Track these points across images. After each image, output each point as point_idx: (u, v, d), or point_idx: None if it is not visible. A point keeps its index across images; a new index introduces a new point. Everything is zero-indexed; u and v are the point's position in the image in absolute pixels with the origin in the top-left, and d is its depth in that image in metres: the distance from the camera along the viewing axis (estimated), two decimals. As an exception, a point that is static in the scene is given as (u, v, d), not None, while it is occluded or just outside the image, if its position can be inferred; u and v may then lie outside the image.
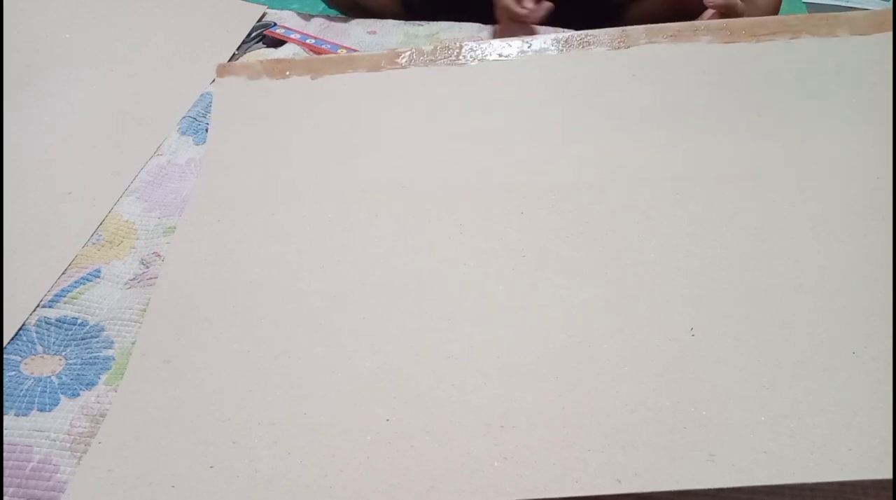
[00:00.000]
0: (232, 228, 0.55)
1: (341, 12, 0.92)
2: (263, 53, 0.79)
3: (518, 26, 0.78)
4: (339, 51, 0.78)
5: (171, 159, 0.66)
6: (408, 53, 0.66)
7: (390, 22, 0.83)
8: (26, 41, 0.75)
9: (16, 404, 0.46)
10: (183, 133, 0.68)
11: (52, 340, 0.50)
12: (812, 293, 0.44)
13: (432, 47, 0.65)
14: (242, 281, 0.51)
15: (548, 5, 0.74)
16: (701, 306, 0.44)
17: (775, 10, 0.77)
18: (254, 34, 0.82)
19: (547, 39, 0.63)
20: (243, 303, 0.49)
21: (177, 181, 0.63)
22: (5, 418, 0.46)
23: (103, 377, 0.48)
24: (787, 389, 0.39)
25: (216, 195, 0.58)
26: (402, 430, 0.40)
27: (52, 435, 0.44)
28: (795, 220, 0.48)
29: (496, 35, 0.79)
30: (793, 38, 0.59)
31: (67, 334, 0.51)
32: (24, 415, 0.46)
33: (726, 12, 0.67)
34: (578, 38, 0.62)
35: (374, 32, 0.82)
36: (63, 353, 0.50)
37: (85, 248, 0.57)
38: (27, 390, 0.47)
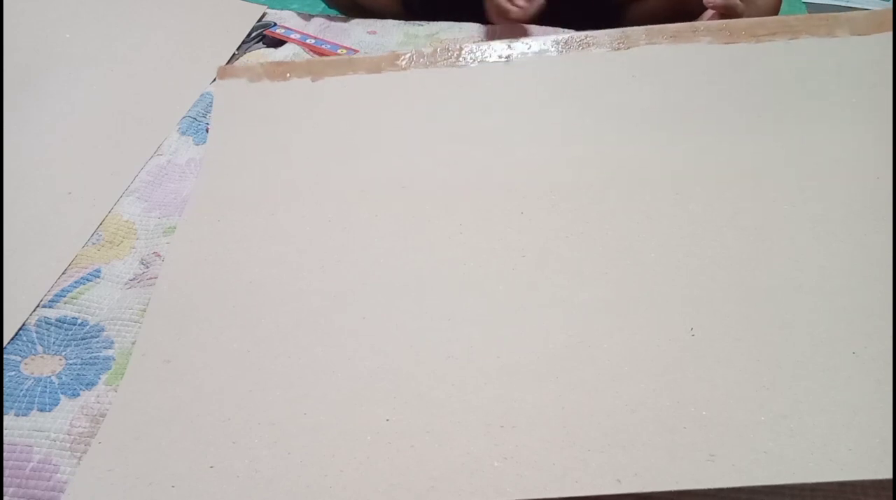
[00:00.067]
0: (232, 228, 0.55)
1: (341, 12, 0.92)
2: (263, 53, 0.79)
3: (510, 25, 0.78)
4: (339, 51, 0.78)
5: (171, 159, 0.66)
6: (408, 56, 0.66)
7: (390, 22, 0.83)
8: (26, 41, 0.75)
9: (16, 404, 0.46)
10: (183, 133, 0.68)
11: (52, 340, 0.50)
12: (812, 293, 0.44)
13: (432, 49, 0.65)
14: (242, 281, 0.51)
15: (539, 2, 0.74)
16: (701, 306, 0.44)
17: (775, 11, 0.77)
18: (254, 34, 0.82)
19: (547, 41, 0.63)
20: (243, 303, 0.49)
21: (177, 181, 0.63)
22: (5, 418, 0.46)
23: (103, 377, 0.48)
24: (787, 389, 0.39)
25: (216, 195, 0.58)
26: (402, 430, 0.40)
27: (52, 435, 0.44)
28: (795, 220, 0.48)
29: (489, 35, 0.78)
30: (792, 39, 0.59)
31: (67, 334, 0.51)
32: (24, 415, 0.46)
33: (726, 13, 0.67)
34: (578, 40, 0.62)
35: (374, 32, 0.82)
36: (63, 353, 0.50)
37: (85, 248, 0.57)
38: (27, 390, 0.47)
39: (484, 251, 0.50)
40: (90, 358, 0.49)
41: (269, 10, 0.86)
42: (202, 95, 0.73)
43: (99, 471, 0.41)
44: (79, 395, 0.47)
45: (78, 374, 0.48)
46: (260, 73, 0.67)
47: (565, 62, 0.63)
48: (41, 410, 0.46)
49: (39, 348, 0.50)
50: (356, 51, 0.78)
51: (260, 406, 0.43)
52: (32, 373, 0.48)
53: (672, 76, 0.60)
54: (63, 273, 0.55)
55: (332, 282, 0.49)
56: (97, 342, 0.50)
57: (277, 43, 0.81)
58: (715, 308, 0.44)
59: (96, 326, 0.51)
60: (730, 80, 0.59)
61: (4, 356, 0.49)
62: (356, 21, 0.84)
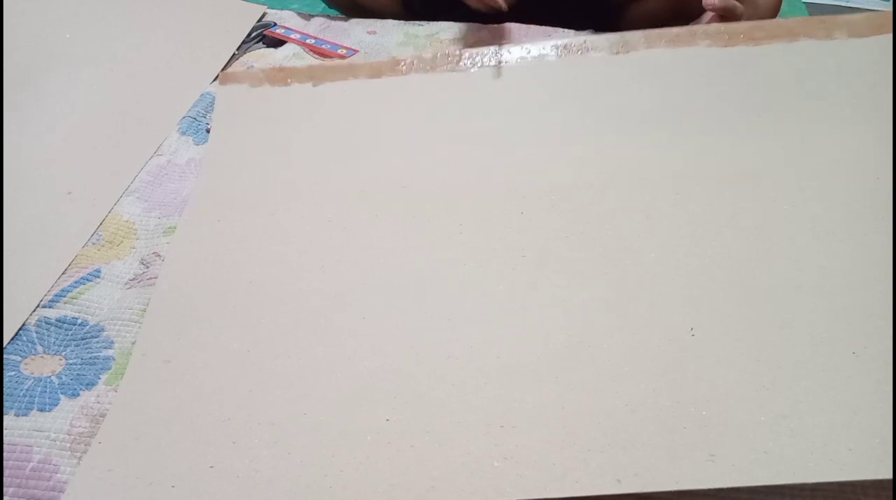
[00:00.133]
0: (232, 228, 0.55)
1: (341, 12, 0.92)
2: (263, 53, 0.79)
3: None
4: (339, 50, 0.78)
5: (171, 159, 0.66)
6: (408, 61, 0.66)
7: (390, 22, 0.83)
8: (26, 41, 0.75)
9: (16, 404, 0.46)
10: (183, 133, 0.68)
11: (52, 340, 0.50)
12: (812, 293, 0.44)
13: (432, 55, 0.66)
14: (242, 281, 0.51)
15: None
16: (701, 306, 0.44)
17: (775, 11, 0.77)
18: (254, 34, 0.82)
19: (546, 45, 0.64)
20: (243, 303, 0.49)
21: (177, 181, 0.63)
22: (5, 418, 0.46)
23: (103, 377, 0.48)
24: (787, 389, 0.39)
25: (216, 195, 0.58)
26: (402, 430, 0.40)
27: (52, 435, 0.44)
28: (795, 220, 0.48)
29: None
30: (791, 42, 0.59)
31: (67, 334, 0.51)
32: (24, 415, 0.46)
33: (725, 14, 0.67)
34: (577, 45, 0.63)
35: (374, 32, 0.82)
36: (63, 353, 0.50)
37: (85, 248, 0.57)
38: (27, 390, 0.47)
39: (484, 251, 0.50)
40: (90, 358, 0.49)
41: (269, 10, 0.86)
42: (202, 95, 0.73)
43: (99, 471, 0.41)
44: (79, 395, 0.47)
45: (78, 374, 0.48)
46: (261, 79, 0.67)
47: (565, 65, 0.63)
48: (41, 410, 0.46)
49: (39, 348, 0.50)
50: (356, 51, 0.78)
51: (260, 406, 0.43)
52: (32, 373, 0.48)
53: (671, 78, 0.60)
54: (63, 273, 0.55)
55: (332, 282, 0.50)
56: (97, 342, 0.50)
57: (277, 43, 0.81)
58: (715, 308, 0.44)
59: (96, 326, 0.51)
60: (729, 81, 0.59)
61: (4, 356, 0.49)
62: (356, 21, 0.84)
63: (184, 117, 0.70)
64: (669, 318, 0.44)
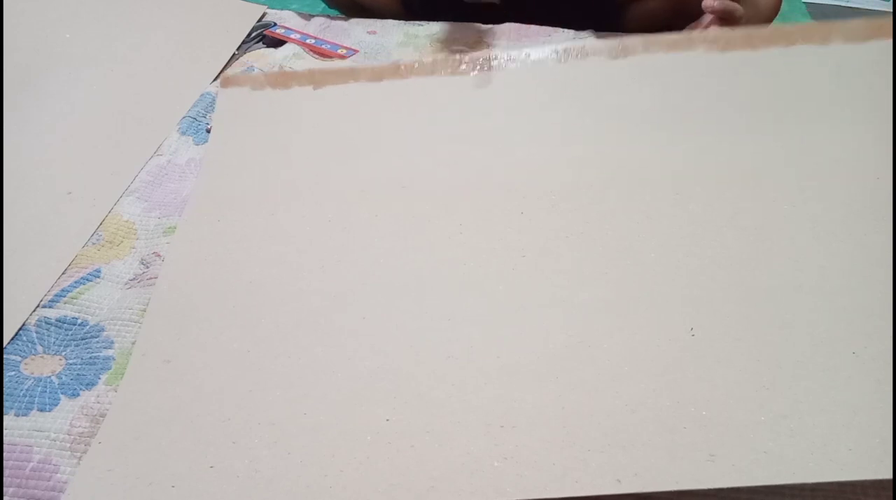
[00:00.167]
0: (232, 228, 0.55)
1: (341, 12, 0.92)
2: (263, 53, 0.79)
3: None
4: (339, 50, 0.78)
5: (171, 159, 0.66)
6: (409, 64, 0.66)
7: (390, 22, 0.83)
8: (26, 41, 0.75)
9: (16, 404, 0.46)
10: (183, 133, 0.68)
11: (52, 340, 0.50)
12: (812, 293, 0.44)
13: (433, 59, 0.66)
14: (242, 281, 0.51)
15: None
16: (701, 306, 0.44)
17: (776, 10, 0.77)
18: (254, 34, 0.82)
19: (545, 50, 0.64)
20: (243, 303, 0.49)
21: (177, 181, 0.63)
22: (5, 418, 0.46)
23: (103, 377, 0.48)
24: (787, 389, 0.39)
25: (216, 195, 0.58)
26: (402, 430, 0.40)
27: (52, 435, 0.44)
28: (795, 220, 0.48)
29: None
30: (788, 47, 0.59)
31: (67, 334, 0.51)
32: (24, 415, 0.46)
33: (725, 17, 0.67)
34: (576, 49, 0.63)
35: (374, 32, 0.82)
36: (63, 353, 0.50)
37: (85, 248, 0.57)
38: (27, 390, 0.47)
39: (484, 251, 0.50)
40: (90, 358, 0.49)
41: (269, 10, 0.86)
42: (202, 94, 0.73)
43: (99, 471, 0.41)
44: (79, 395, 0.47)
45: (78, 374, 0.48)
46: (262, 82, 0.67)
47: (564, 67, 0.63)
48: (41, 410, 0.46)
49: (39, 348, 0.50)
50: (356, 51, 0.78)
51: (260, 406, 0.43)
52: (32, 373, 0.48)
53: (671, 79, 0.60)
54: (63, 273, 0.55)
55: (332, 282, 0.50)
56: (97, 342, 0.50)
57: (277, 43, 0.81)
58: (715, 308, 0.44)
59: (96, 326, 0.51)
60: (729, 82, 0.59)
61: (4, 356, 0.49)
62: (356, 21, 0.85)
63: (184, 117, 0.70)
64: (669, 318, 0.44)
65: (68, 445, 0.44)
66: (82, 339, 0.50)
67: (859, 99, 0.56)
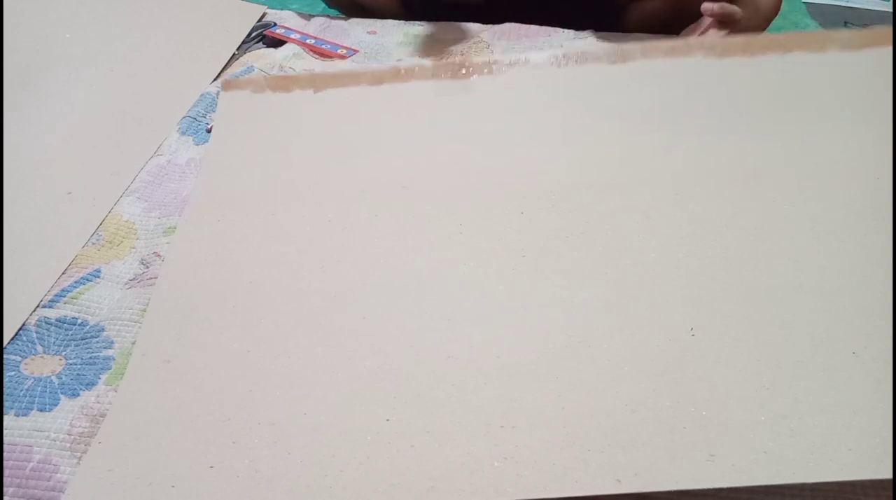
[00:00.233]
0: (232, 228, 0.55)
1: (341, 12, 0.92)
2: (263, 53, 0.79)
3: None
4: (339, 50, 0.78)
5: (171, 159, 0.66)
6: (409, 68, 0.66)
7: (390, 22, 0.83)
8: (26, 41, 0.75)
9: (16, 404, 0.46)
10: (183, 133, 0.68)
11: (52, 340, 0.50)
12: (812, 293, 0.44)
13: (434, 64, 0.66)
14: (242, 281, 0.51)
15: None
16: (701, 306, 0.44)
17: (776, 10, 0.77)
18: (254, 34, 0.82)
19: (544, 55, 0.64)
20: (243, 303, 0.49)
21: (177, 181, 0.63)
22: (5, 418, 0.46)
23: (103, 377, 0.48)
24: (787, 389, 0.39)
25: (216, 195, 0.58)
26: (402, 430, 0.40)
27: (52, 435, 0.44)
28: (795, 220, 0.48)
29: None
30: (785, 54, 0.60)
31: (67, 334, 0.51)
32: (24, 415, 0.46)
33: (724, 20, 0.67)
34: (575, 55, 0.63)
35: (374, 32, 0.82)
36: (63, 353, 0.50)
37: (85, 248, 0.57)
38: (27, 390, 0.47)
39: (484, 251, 0.50)
40: (90, 358, 0.49)
41: (269, 10, 0.86)
42: (202, 95, 0.73)
43: (99, 471, 0.41)
44: (79, 395, 0.47)
45: (78, 374, 0.48)
46: (263, 86, 0.68)
47: (564, 70, 0.64)
48: (41, 410, 0.46)
49: (39, 348, 0.50)
50: (356, 51, 0.78)
51: (260, 406, 0.43)
52: (32, 373, 0.48)
53: (670, 81, 0.60)
54: (63, 273, 0.55)
55: (332, 282, 0.50)
56: (97, 342, 0.50)
57: (277, 43, 0.81)
58: (715, 308, 0.44)
59: (96, 326, 0.51)
60: (728, 85, 0.59)
61: (4, 356, 0.49)
62: (356, 21, 0.85)
63: (184, 117, 0.70)
64: (669, 318, 0.44)
65: (68, 445, 0.44)
66: (82, 339, 0.50)
67: (858, 100, 0.56)
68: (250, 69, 0.76)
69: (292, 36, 0.80)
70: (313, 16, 0.87)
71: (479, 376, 0.42)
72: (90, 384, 0.47)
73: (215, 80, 0.75)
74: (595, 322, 0.44)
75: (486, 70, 0.65)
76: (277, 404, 0.43)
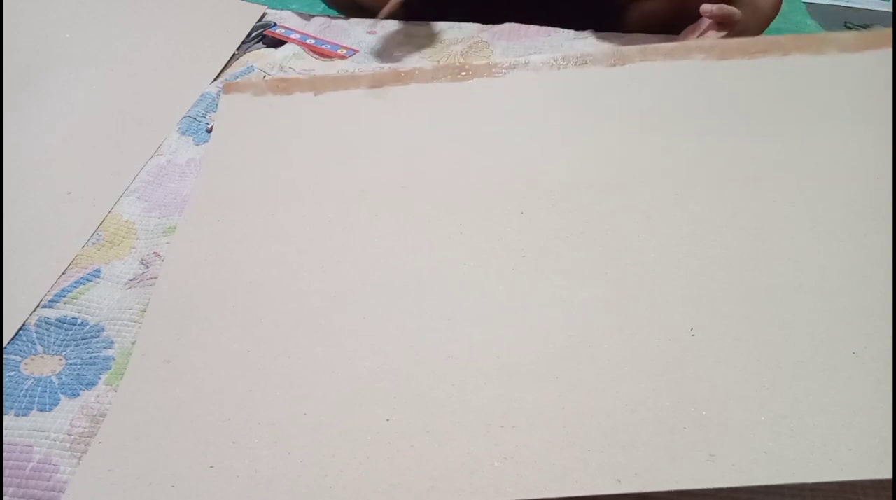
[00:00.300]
0: (232, 228, 0.55)
1: (341, 12, 0.92)
2: (263, 53, 0.79)
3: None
4: (339, 50, 0.78)
5: (171, 159, 0.66)
6: (409, 71, 0.66)
7: (390, 22, 0.83)
8: (26, 41, 0.75)
9: (16, 404, 0.46)
10: (183, 133, 0.68)
11: (52, 340, 0.50)
12: (812, 293, 0.44)
13: (433, 66, 0.66)
14: (242, 281, 0.51)
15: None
16: (701, 306, 0.44)
17: (776, 10, 0.77)
18: (254, 34, 0.82)
19: (544, 58, 0.65)
20: (243, 303, 0.49)
21: (177, 181, 0.63)
22: (5, 418, 0.46)
23: (103, 377, 0.48)
24: (787, 389, 0.39)
25: (216, 195, 0.58)
26: (402, 430, 0.40)
27: (52, 435, 0.44)
28: (795, 220, 0.48)
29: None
30: (784, 56, 0.60)
31: (67, 334, 0.51)
32: (24, 415, 0.46)
33: (723, 21, 0.67)
34: (575, 58, 0.63)
35: (374, 32, 0.82)
36: (63, 353, 0.50)
37: (85, 248, 0.57)
38: (27, 390, 0.47)
39: (484, 251, 0.50)
40: (90, 358, 0.49)
41: (269, 10, 0.86)
42: (202, 95, 0.73)
43: (99, 471, 0.41)
44: (79, 395, 0.47)
45: (78, 374, 0.48)
46: (263, 89, 0.68)
47: (564, 72, 0.64)
48: (41, 410, 0.46)
49: (39, 348, 0.50)
50: (356, 51, 0.78)
51: (260, 406, 0.43)
52: (32, 373, 0.48)
53: (670, 82, 0.60)
54: (63, 273, 0.55)
55: (332, 282, 0.50)
56: (97, 342, 0.50)
57: (277, 43, 0.81)
58: (715, 308, 0.44)
59: (96, 326, 0.51)
60: (728, 85, 0.59)
61: (4, 356, 0.49)
62: (356, 21, 0.84)
63: (184, 117, 0.70)
64: (669, 318, 0.44)
65: (68, 445, 0.44)
66: (82, 339, 0.50)
67: (858, 101, 0.56)
68: (250, 69, 0.76)
69: (292, 36, 0.80)
70: (313, 16, 0.87)
71: (479, 376, 0.42)
72: (90, 384, 0.47)
73: (215, 80, 0.75)
74: (595, 322, 0.44)
75: (485, 72, 0.65)
76: (277, 404, 0.43)
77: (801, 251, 0.46)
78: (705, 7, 0.66)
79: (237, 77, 0.75)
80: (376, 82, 0.66)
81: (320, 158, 0.60)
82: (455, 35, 0.80)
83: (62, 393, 0.47)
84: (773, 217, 0.48)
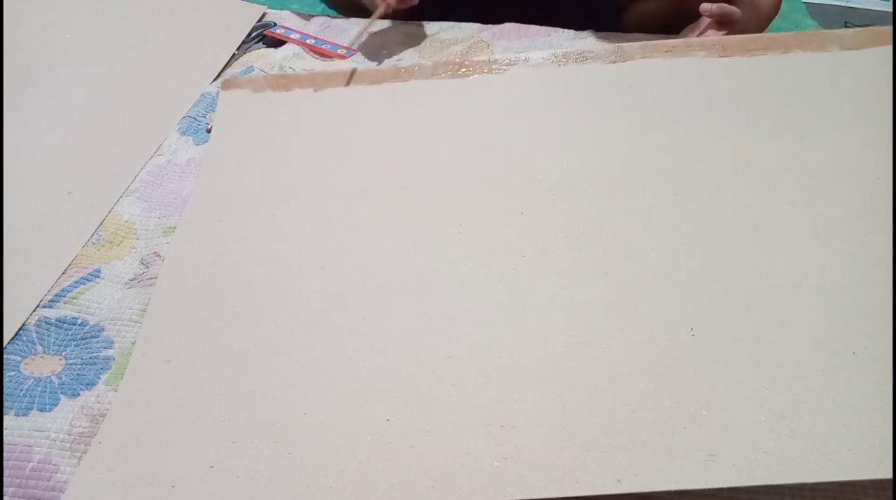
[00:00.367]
0: (232, 228, 0.55)
1: (341, 12, 0.92)
2: (263, 53, 0.79)
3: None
4: (339, 50, 0.78)
5: (171, 159, 0.66)
6: (409, 68, 0.66)
7: (390, 22, 0.83)
8: (26, 41, 0.75)
9: (16, 404, 0.46)
10: (183, 133, 0.68)
11: (52, 340, 0.50)
12: (812, 293, 0.44)
13: (433, 63, 0.66)
14: (242, 281, 0.51)
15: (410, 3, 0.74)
16: (701, 306, 0.44)
17: (776, 10, 0.77)
18: (254, 34, 0.82)
19: (544, 54, 0.65)
20: (243, 303, 0.49)
21: (177, 181, 0.63)
22: (5, 418, 0.46)
23: (103, 377, 0.48)
24: (787, 389, 0.39)
25: (216, 195, 0.58)
26: (402, 430, 0.40)
27: (52, 435, 0.44)
28: (795, 220, 0.48)
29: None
30: (784, 53, 0.60)
31: (67, 334, 0.51)
32: (24, 415, 0.46)
33: (723, 20, 0.67)
34: (575, 54, 0.63)
35: (374, 32, 0.82)
36: (63, 353, 0.50)
37: (85, 248, 0.57)
38: (27, 390, 0.47)
39: (484, 251, 0.50)
40: (90, 358, 0.49)
41: (269, 10, 0.86)
42: (202, 95, 0.73)
43: (99, 471, 0.41)
44: (79, 395, 0.47)
45: (78, 374, 0.48)
46: (263, 85, 0.68)
47: (564, 70, 0.64)
48: (41, 410, 0.46)
49: (39, 348, 0.50)
50: (356, 51, 0.78)
51: (260, 406, 0.43)
52: (32, 373, 0.48)
53: (670, 81, 0.60)
54: (63, 273, 0.55)
55: (332, 282, 0.50)
56: (97, 342, 0.50)
57: (277, 43, 0.81)
58: (715, 308, 0.44)
59: (96, 326, 0.51)
60: (728, 84, 0.59)
61: (4, 356, 0.49)
62: (356, 21, 0.84)
63: (184, 117, 0.70)
64: (669, 318, 0.44)
65: (68, 445, 0.44)
66: (82, 339, 0.50)
67: (858, 100, 0.56)
68: (250, 69, 0.76)
69: (292, 36, 0.80)
70: (313, 16, 0.87)
71: (479, 376, 0.42)
72: (90, 384, 0.47)
73: (215, 80, 0.75)
74: (595, 322, 0.44)
75: (485, 69, 0.65)
76: (277, 404, 0.43)
77: (801, 251, 0.46)
78: (705, 6, 0.66)
79: (237, 76, 0.75)
80: (376, 79, 0.66)
81: (320, 156, 0.60)
82: (455, 35, 0.80)
83: (62, 393, 0.47)
84: (773, 217, 0.48)
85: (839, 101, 0.56)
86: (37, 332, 0.51)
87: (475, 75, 0.64)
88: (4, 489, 0.42)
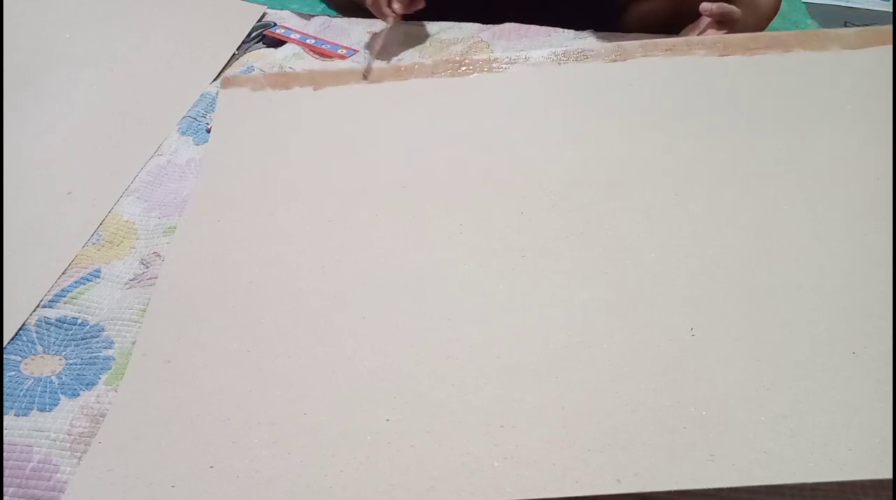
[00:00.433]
0: (232, 228, 0.55)
1: (341, 12, 0.92)
2: (263, 53, 0.79)
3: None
4: (339, 50, 0.78)
5: (171, 159, 0.66)
6: (409, 66, 0.66)
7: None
8: (26, 41, 0.75)
9: (16, 404, 0.46)
10: (183, 133, 0.68)
11: (52, 340, 0.50)
12: (812, 293, 0.44)
13: (433, 61, 0.66)
14: (242, 281, 0.51)
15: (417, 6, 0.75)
16: (701, 306, 0.44)
17: (775, 9, 0.77)
18: (254, 34, 0.82)
19: (544, 53, 0.64)
20: (243, 303, 0.49)
21: (177, 181, 0.63)
22: (5, 418, 0.46)
23: (103, 377, 0.48)
24: (787, 389, 0.39)
25: (216, 195, 0.58)
26: (402, 430, 0.40)
27: (52, 435, 0.44)
28: (795, 220, 0.48)
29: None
30: (785, 52, 0.60)
31: (67, 334, 0.51)
32: (24, 415, 0.46)
33: (722, 20, 0.67)
34: (575, 53, 0.63)
35: (374, 32, 0.82)
36: (63, 353, 0.50)
37: (85, 248, 0.57)
38: (27, 390, 0.47)
39: (484, 251, 0.50)
40: (90, 358, 0.49)
41: (269, 10, 0.86)
42: (202, 94, 0.73)
43: (99, 471, 0.41)
44: (79, 395, 0.47)
45: (78, 374, 0.48)
46: (262, 83, 0.68)
47: (565, 71, 0.64)
48: (41, 410, 0.46)
49: (39, 348, 0.50)
50: (356, 50, 0.78)
51: (260, 406, 0.43)
52: (32, 373, 0.48)
53: (671, 81, 0.60)
54: (63, 273, 0.55)
55: (332, 282, 0.50)
56: (97, 342, 0.50)
57: (277, 43, 0.81)
58: (715, 308, 0.44)
59: (96, 326, 0.51)
60: (729, 84, 0.59)
61: (4, 356, 0.49)
62: (356, 21, 0.84)
63: (184, 117, 0.70)
64: (669, 318, 0.44)
65: (68, 445, 0.44)
66: (82, 339, 0.50)
67: (858, 99, 0.56)
68: (250, 69, 0.76)
69: (292, 36, 0.80)
70: (313, 16, 0.87)
71: (479, 376, 0.42)
72: (90, 384, 0.47)
73: (215, 80, 0.75)
74: (595, 322, 0.44)
75: (485, 68, 0.65)
76: (277, 404, 0.43)
77: (801, 251, 0.46)
78: (705, 5, 0.66)
79: (237, 75, 0.75)
80: (376, 77, 0.66)
81: (320, 155, 0.60)
82: (455, 35, 0.80)
83: (62, 393, 0.47)
84: (773, 217, 0.48)
85: (839, 100, 0.56)
86: (37, 332, 0.51)
87: (475, 74, 0.64)
88: (4, 489, 0.42)
